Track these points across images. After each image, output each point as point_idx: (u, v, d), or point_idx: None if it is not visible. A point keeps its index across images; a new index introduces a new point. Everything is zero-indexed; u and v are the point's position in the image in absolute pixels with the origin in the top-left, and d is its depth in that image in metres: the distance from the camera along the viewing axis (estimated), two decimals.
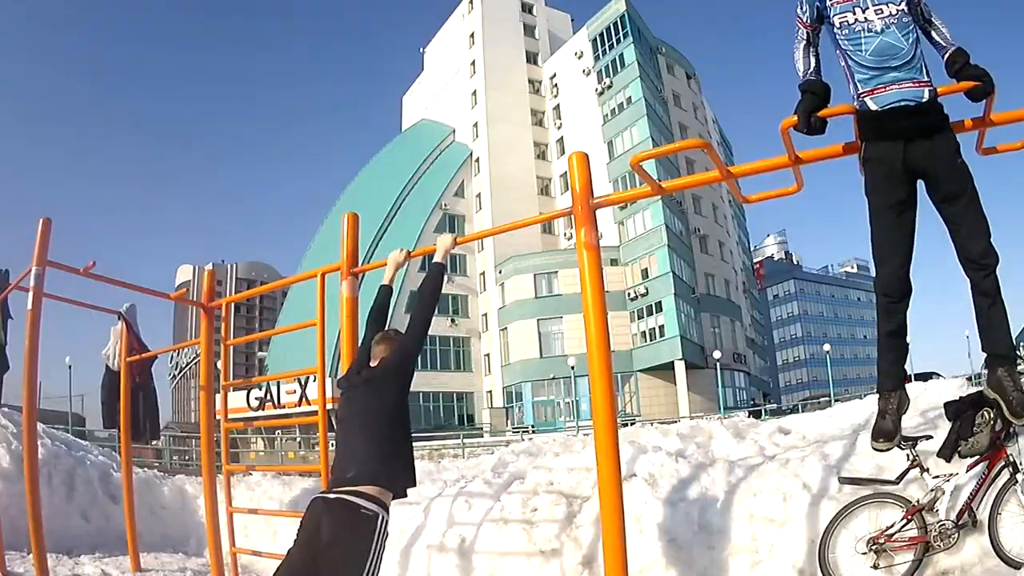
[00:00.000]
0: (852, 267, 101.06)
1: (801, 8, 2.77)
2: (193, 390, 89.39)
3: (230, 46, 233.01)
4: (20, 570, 4.82)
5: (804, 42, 2.79)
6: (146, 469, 8.12)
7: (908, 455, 3.73)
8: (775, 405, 35.20)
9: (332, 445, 2.92)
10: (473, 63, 47.19)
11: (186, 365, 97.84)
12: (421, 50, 55.65)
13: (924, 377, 12.28)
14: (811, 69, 2.75)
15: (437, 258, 3.13)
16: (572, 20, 50.97)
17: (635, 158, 2.81)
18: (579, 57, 43.55)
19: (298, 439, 27.50)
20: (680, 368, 34.08)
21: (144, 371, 5.83)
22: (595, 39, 42.38)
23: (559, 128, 45.22)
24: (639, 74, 39.16)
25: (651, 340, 35.38)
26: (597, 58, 41.93)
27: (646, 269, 35.98)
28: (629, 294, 36.13)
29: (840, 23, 2.66)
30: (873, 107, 2.58)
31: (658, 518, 4.19)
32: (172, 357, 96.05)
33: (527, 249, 39.04)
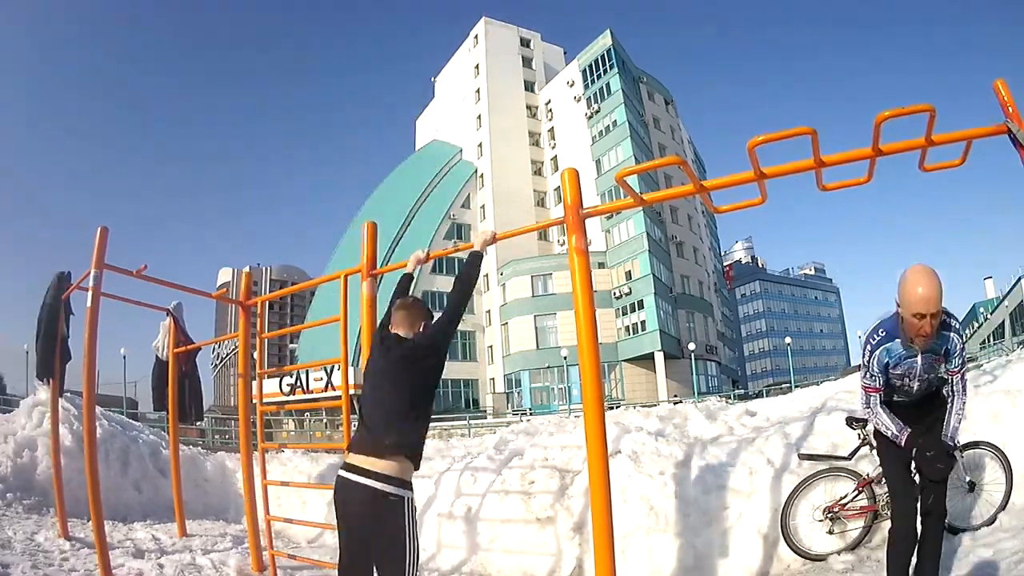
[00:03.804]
0: (810, 269, 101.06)
1: (872, 377, 2.67)
2: (232, 377, 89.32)
3: (270, 77, 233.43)
4: (81, 535, 4.82)
5: (878, 398, 2.71)
6: (191, 447, 8.10)
7: (859, 435, 3.73)
8: (743, 391, 35.20)
9: (354, 426, 2.87)
10: (478, 91, 47.14)
11: (226, 355, 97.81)
12: (432, 79, 55.61)
13: None
14: (901, 426, 2.65)
15: (477, 247, 2.91)
16: (565, 53, 50.89)
17: (620, 174, 2.80)
18: (571, 85, 43.49)
19: (324, 420, 27.50)
20: (659, 358, 34.05)
21: (190, 361, 5.82)
22: (585, 70, 42.33)
23: (553, 147, 45.14)
24: (623, 100, 39.12)
25: (634, 334, 35.35)
26: (587, 86, 41.87)
27: (630, 271, 35.95)
28: (614, 293, 36.10)
29: (890, 373, 2.67)
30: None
31: (640, 490, 4.18)
32: (214, 348, 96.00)
33: (525, 253, 38.99)
